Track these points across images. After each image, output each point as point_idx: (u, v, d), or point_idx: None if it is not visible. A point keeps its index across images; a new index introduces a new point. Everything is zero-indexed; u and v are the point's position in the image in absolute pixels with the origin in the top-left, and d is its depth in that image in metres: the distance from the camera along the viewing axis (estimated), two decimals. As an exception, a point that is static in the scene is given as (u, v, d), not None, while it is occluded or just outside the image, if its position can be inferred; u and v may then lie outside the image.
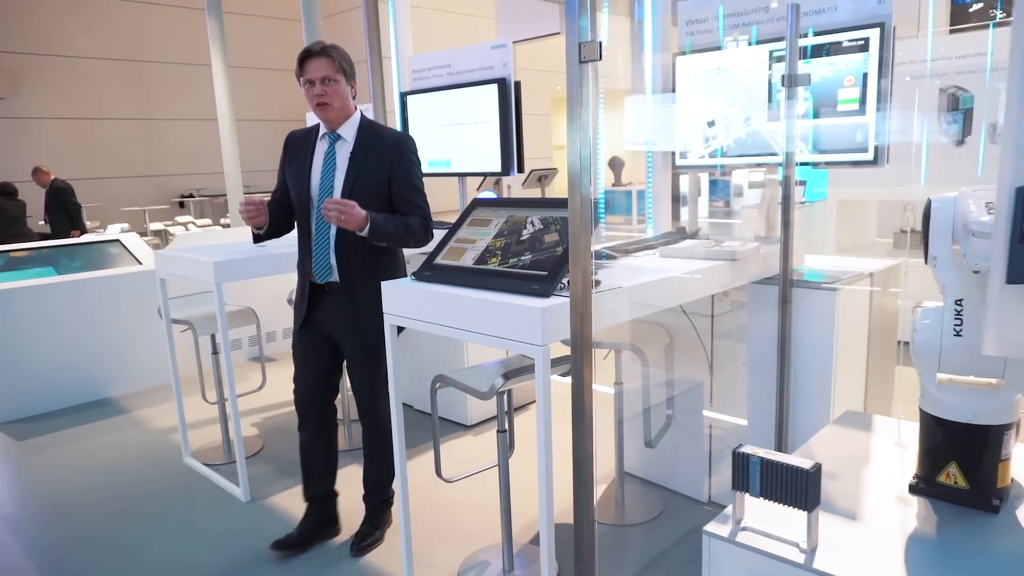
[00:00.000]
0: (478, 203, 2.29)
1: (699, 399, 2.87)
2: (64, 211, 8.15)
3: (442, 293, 1.98)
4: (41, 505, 3.21)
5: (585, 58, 1.54)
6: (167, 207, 13.44)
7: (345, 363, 2.67)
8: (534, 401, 4.02)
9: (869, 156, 2.55)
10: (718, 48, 2.89)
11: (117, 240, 5.02)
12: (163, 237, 10.92)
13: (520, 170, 3.86)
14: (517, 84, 3.75)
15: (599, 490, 3.04)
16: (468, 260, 2.05)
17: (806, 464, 1.49)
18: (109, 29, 12.95)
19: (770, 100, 2.69)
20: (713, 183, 5.72)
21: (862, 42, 2.50)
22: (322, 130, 2.50)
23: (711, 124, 2.93)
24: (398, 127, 4.39)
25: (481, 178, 4.29)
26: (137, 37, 13.28)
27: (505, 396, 2.35)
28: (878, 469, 1.85)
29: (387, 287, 2.12)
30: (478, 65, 3.90)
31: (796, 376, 2.56)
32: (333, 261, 2.48)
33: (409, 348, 3.88)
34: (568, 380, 1.72)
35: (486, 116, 3.85)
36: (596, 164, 1.75)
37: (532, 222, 2.03)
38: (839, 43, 2.55)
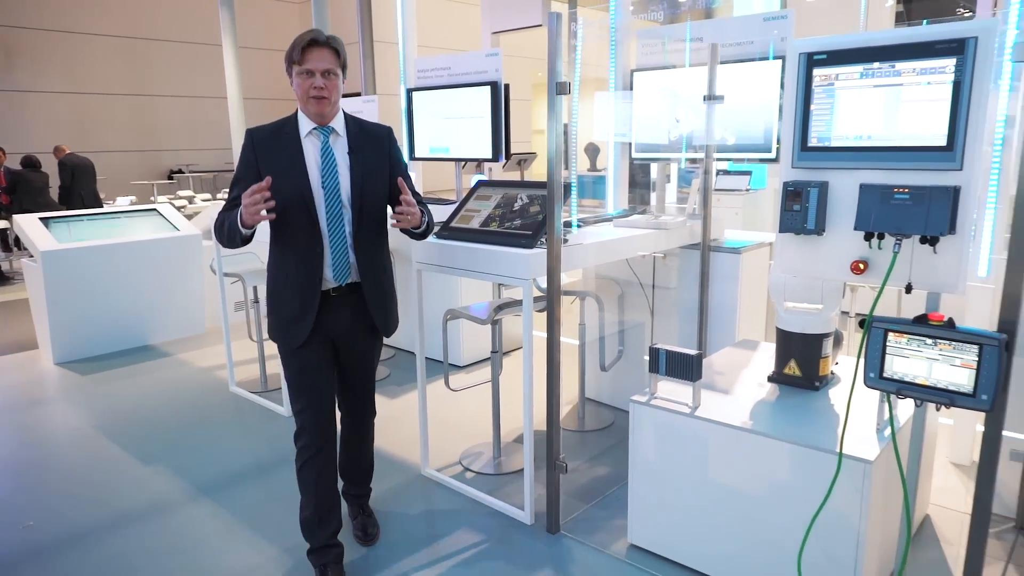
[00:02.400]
0: (482, 184, 3.13)
1: (643, 335, 3.77)
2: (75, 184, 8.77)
3: (458, 246, 2.84)
4: (115, 420, 4.02)
5: (559, 92, 2.40)
6: (172, 182, 14.00)
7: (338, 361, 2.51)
8: (517, 348, 4.91)
9: (772, 155, 3.43)
10: (664, 67, 3.74)
11: (155, 209, 5.77)
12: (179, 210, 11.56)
13: (507, 157, 4.69)
14: (506, 86, 4.57)
15: (566, 408, 3.93)
16: (475, 223, 2.90)
17: (693, 352, 2.38)
18: (105, 5, 13.40)
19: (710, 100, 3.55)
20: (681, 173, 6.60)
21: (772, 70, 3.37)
22: (307, 125, 2.28)
23: (678, 122, 3.78)
24: (403, 119, 5.18)
25: (465, 163, 5.10)
26: (132, 13, 13.73)
27: (498, 325, 3.21)
28: (752, 369, 2.77)
29: (418, 244, 2.96)
30: (474, 69, 4.70)
31: (712, 316, 3.46)
32: (353, 260, 2.33)
33: (406, 299, 4.72)
34: (543, 334, 2.60)
35: (479, 112, 4.66)
36: (572, 154, 2.60)
37: (522, 198, 2.89)
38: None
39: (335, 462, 2.47)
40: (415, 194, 2.42)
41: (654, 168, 4.21)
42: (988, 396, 1.60)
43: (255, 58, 14.91)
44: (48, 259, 4.91)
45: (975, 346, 1.60)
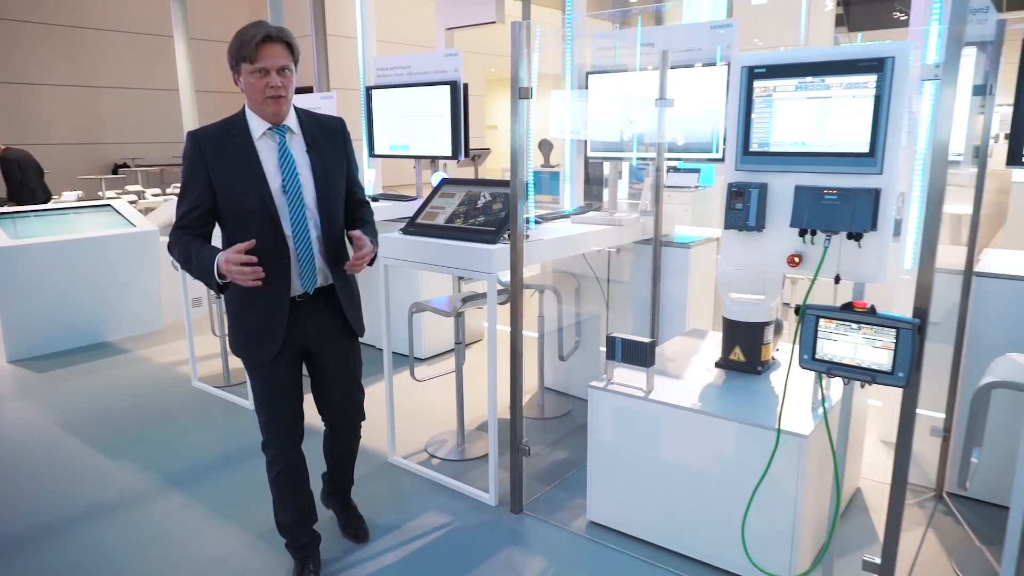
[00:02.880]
0: (445, 182, 3.26)
1: (599, 326, 3.95)
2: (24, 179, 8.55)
3: (424, 242, 2.96)
4: (77, 416, 4.02)
5: (521, 96, 2.54)
6: (121, 176, 13.66)
7: (311, 369, 2.43)
8: (477, 341, 5.05)
9: (719, 156, 3.64)
10: (618, 70, 3.92)
11: (109, 205, 5.72)
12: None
13: (466, 155, 4.83)
14: (465, 86, 4.70)
15: (526, 397, 4.09)
16: (440, 220, 3.03)
17: (646, 340, 2.56)
18: (45, -7, 12.99)
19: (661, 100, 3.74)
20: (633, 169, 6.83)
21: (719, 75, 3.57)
22: (260, 125, 2.13)
23: (631, 122, 3.96)
24: (362, 117, 5.25)
25: (420, 160, 5.21)
26: (73, 1, 13.34)
27: (461, 318, 3.35)
28: (701, 356, 2.97)
29: (385, 239, 3.07)
30: (434, 68, 4.81)
31: (663, 307, 3.67)
32: (321, 264, 2.24)
33: (369, 295, 4.81)
34: (505, 327, 2.75)
35: (439, 110, 4.77)
36: (528, 151, 2.74)
37: (485, 195, 3.03)
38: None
39: (306, 471, 2.47)
40: (360, 188, 2.42)
41: (607, 165, 4.40)
42: (904, 373, 1.82)
43: (205, 50, 14.66)
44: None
45: (893, 330, 1.81)
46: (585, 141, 4.11)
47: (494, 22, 10.77)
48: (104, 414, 4.04)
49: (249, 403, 4.05)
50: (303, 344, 2.30)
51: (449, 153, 4.77)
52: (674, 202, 6.43)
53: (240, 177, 2.09)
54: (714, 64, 3.53)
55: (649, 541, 2.65)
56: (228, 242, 2.12)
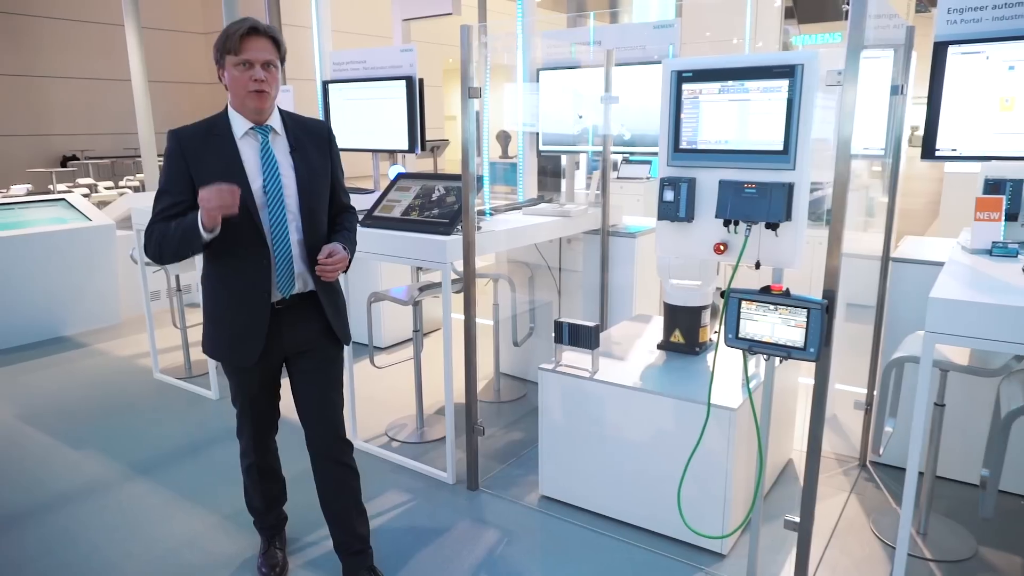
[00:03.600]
0: (401, 176, 3.39)
1: (551, 313, 4.13)
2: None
3: (381, 234, 3.09)
4: (38, 409, 4.05)
5: (471, 96, 2.69)
6: (71, 169, 13.36)
7: (291, 377, 2.33)
8: (435, 329, 5.19)
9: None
10: (569, 67, 4.09)
11: (63, 199, 5.69)
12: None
13: (423, 148, 4.95)
14: (421, 81, 4.82)
15: (482, 383, 4.25)
16: (397, 212, 3.17)
17: (591, 324, 2.74)
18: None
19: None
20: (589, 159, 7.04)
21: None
22: (242, 124, 2.08)
23: (581, 117, 4.13)
24: (319, 111, 5.33)
25: (378, 153, 5.31)
26: (20, -10, 12.99)
27: (419, 307, 3.49)
28: (644, 339, 3.17)
29: (342, 231, 3.19)
30: (389, 63, 4.92)
31: (612, 293, 3.86)
32: (301, 269, 2.16)
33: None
34: (460, 315, 2.90)
35: (395, 104, 4.88)
36: (484, 142, 2.88)
37: (439, 189, 3.17)
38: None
39: (277, 467, 2.55)
40: (345, 193, 2.34)
41: (563, 157, 4.57)
42: (814, 348, 2.02)
43: (158, 39, 14.41)
44: (-47, 251, 4.81)
45: (804, 310, 2.02)
46: (538, 134, 4.28)
47: (451, 13, 10.84)
48: (66, 407, 4.08)
49: (211, 393, 4.14)
50: (282, 350, 2.23)
51: (406, 147, 4.89)
52: (627, 193, 6.67)
53: (221, 176, 1.99)
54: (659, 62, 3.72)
55: (596, 512, 2.84)
56: (210, 243, 2.03)
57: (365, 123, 5.07)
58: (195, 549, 2.69)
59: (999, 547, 2.62)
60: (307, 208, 2.15)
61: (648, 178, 7.00)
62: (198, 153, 2.06)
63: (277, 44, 2.07)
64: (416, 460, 3.30)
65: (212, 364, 4.11)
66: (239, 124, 2.10)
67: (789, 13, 10.20)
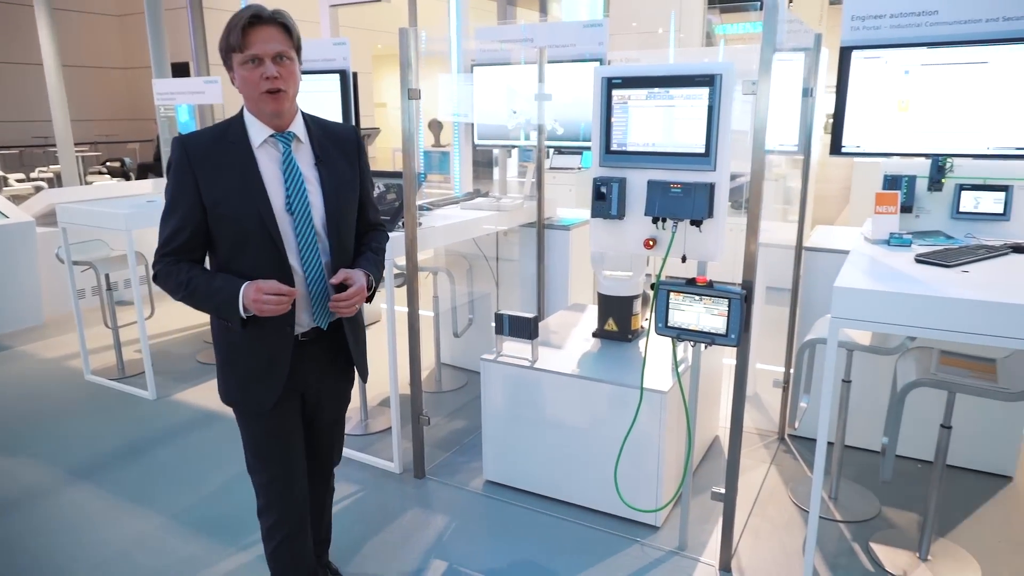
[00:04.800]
0: (340, 173, 3.43)
1: (489, 304, 4.26)
2: None
3: (322, 232, 3.14)
4: (-31, 414, 3.93)
5: (411, 97, 2.77)
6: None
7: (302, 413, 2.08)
8: (375, 322, 5.24)
9: (593, 143, 4.00)
10: (502, 64, 4.19)
11: (-25, 196, 5.44)
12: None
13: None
14: (354, 75, 4.82)
15: (424, 373, 4.34)
16: (337, 211, 3.22)
17: (530, 315, 2.88)
18: None
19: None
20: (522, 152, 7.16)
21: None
22: (260, 132, 1.79)
23: (515, 112, 4.23)
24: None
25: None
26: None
27: (361, 301, 3.55)
28: (580, 328, 3.32)
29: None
30: (321, 56, 4.89)
31: (548, 284, 4.01)
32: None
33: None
34: (403, 308, 2.99)
35: (329, 98, 4.87)
36: (419, 135, 2.94)
37: (379, 187, 3.24)
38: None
39: (308, 534, 2.14)
40: (376, 211, 2.10)
41: (496, 150, 4.67)
42: (735, 335, 2.22)
43: (71, 21, 13.68)
44: None
45: (726, 299, 2.20)
46: (472, 125, 4.37)
47: (379, 0, 10.72)
48: (-8, 413, 3.96)
49: (149, 393, 4.09)
50: (303, 388, 1.98)
51: (341, 140, 4.89)
52: (559, 184, 6.83)
53: (236, 192, 1.75)
54: (595, 60, 3.87)
55: (539, 493, 2.99)
56: (223, 269, 1.83)
57: (298, 116, 5.04)
58: (146, 550, 2.70)
59: (898, 506, 2.91)
60: (336, 227, 1.87)
61: (579, 168, 7.18)
62: (209, 164, 1.77)
63: (289, 31, 1.75)
64: (362, 452, 3.38)
65: (148, 363, 4.06)
66: (257, 131, 1.79)
67: (711, 2, 10.54)
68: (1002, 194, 2.77)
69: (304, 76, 4.70)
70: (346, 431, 3.62)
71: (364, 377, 2.12)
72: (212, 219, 1.79)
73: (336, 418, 2.18)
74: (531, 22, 10.74)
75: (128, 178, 10.85)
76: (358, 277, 1.86)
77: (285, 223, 1.80)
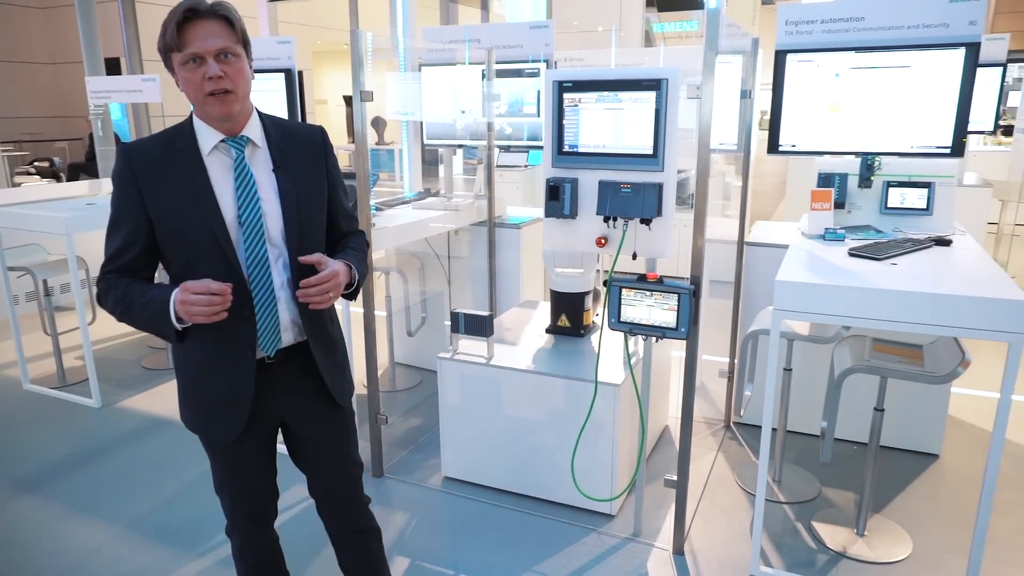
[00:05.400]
0: (290, 174, 3.42)
1: (442, 303, 4.29)
2: None
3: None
4: (-102, 429, 3.75)
5: (363, 99, 2.78)
6: None
7: (290, 445, 1.92)
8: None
9: (542, 143, 4.07)
10: (449, 64, 4.22)
11: None
12: None
13: (305, 141, 4.92)
14: (300, 73, 4.78)
15: (379, 372, 4.34)
16: (289, 213, 3.20)
17: (485, 313, 2.93)
18: None
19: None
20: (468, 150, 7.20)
21: (538, 70, 3.98)
22: (210, 137, 1.63)
23: (463, 112, 4.26)
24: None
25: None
26: None
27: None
28: (533, 324, 3.40)
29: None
30: (266, 55, 4.83)
31: (499, 282, 4.07)
32: (290, 316, 1.72)
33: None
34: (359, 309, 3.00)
35: (274, 97, 4.81)
36: (365, 132, 2.94)
37: (331, 188, 3.24)
38: (523, 71, 4.02)
39: (281, 561, 2.08)
40: (350, 218, 1.90)
41: (443, 149, 4.69)
42: (685, 328, 2.32)
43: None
44: None
45: (675, 295, 2.30)
46: (421, 123, 4.39)
47: (319, -5, 10.53)
48: (-76, 427, 3.80)
49: (93, 401, 3.98)
50: (276, 417, 1.81)
51: (287, 140, 4.84)
52: (506, 181, 6.90)
53: (184, 204, 1.61)
54: (535, 60, 3.94)
55: (498, 487, 3.05)
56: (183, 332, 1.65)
57: (242, 116, 4.96)
58: (100, 560, 2.65)
59: (837, 486, 3.08)
60: (296, 239, 1.69)
61: (526, 165, 7.26)
62: (154, 175, 1.62)
63: (232, 24, 1.58)
64: (319, 453, 3.37)
65: (92, 370, 3.95)
66: (206, 136, 1.63)
67: (650, 1, 10.77)
68: (925, 190, 2.95)
69: (248, 75, 4.65)
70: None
71: (341, 402, 1.86)
72: (160, 234, 1.64)
73: (334, 445, 1.90)
74: (473, 20, 10.79)
75: (59, 179, 10.43)
76: (333, 263, 1.67)
77: (237, 236, 1.64)
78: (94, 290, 1.74)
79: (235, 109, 1.60)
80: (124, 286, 1.64)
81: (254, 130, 1.68)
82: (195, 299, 1.50)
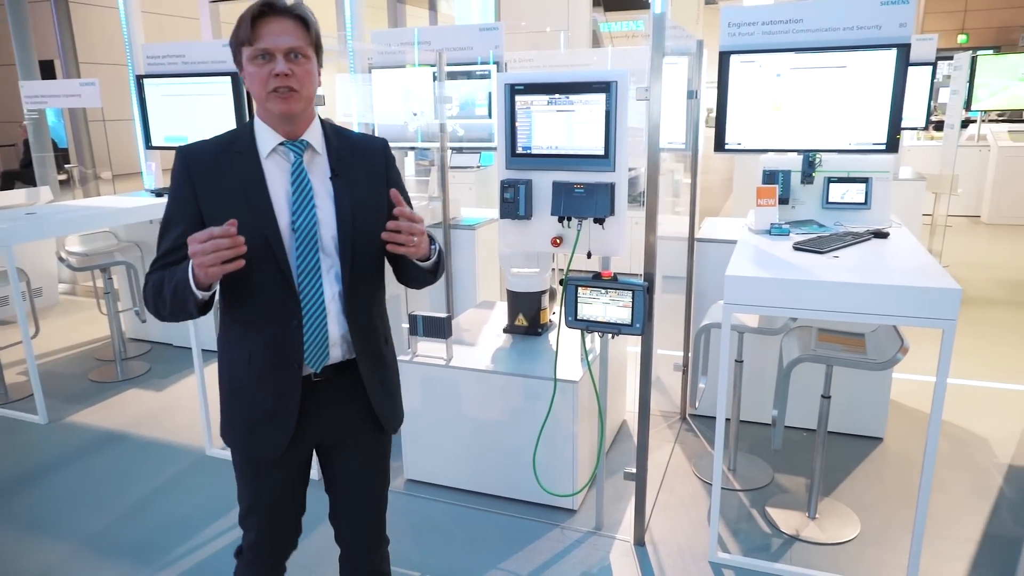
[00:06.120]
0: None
1: (399, 305, 4.29)
2: None
3: (226, 241, 3.08)
4: None
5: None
6: None
7: (325, 468, 1.83)
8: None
9: (495, 144, 4.10)
10: (399, 67, 4.21)
11: None
12: None
13: (254, 146, 4.85)
14: (247, 77, 4.71)
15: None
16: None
17: (443, 315, 2.95)
18: None
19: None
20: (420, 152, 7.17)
21: (488, 72, 4.01)
22: (270, 139, 1.60)
23: (415, 115, 4.26)
24: (135, 107, 5.02)
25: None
26: None
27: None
28: (491, 324, 3.42)
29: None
30: (212, 58, 4.75)
31: (456, 283, 4.09)
32: (340, 332, 1.65)
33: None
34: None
35: (221, 100, 4.74)
36: None
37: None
38: (473, 73, 4.04)
39: None
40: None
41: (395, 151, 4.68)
42: (640, 324, 2.38)
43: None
44: None
45: (629, 291, 2.36)
46: (373, 127, 4.37)
47: (263, -3, 10.34)
48: None
49: (39, 418, 3.86)
50: (315, 438, 1.74)
51: (236, 145, 4.77)
52: (458, 182, 6.91)
53: (238, 206, 1.55)
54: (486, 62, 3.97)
55: (460, 488, 3.07)
56: (225, 295, 1.63)
57: (188, 120, 4.87)
58: (53, 580, 2.59)
59: (789, 472, 3.19)
60: (350, 250, 1.62)
61: (479, 166, 7.28)
62: (211, 177, 1.58)
63: (307, 25, 1.56)
64: (278, 461, 3.34)
65: (37, 385, 3.83)
66: (266, 138, 1.60)
67: (597, 1, 10.91)
68: (863, 185, 3.08)
69: (193, 79, 4.58)
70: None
71: (391, 428, 1.79)
72: None
73: (376, 478, 1.84)
74: (422, 21, 10.75)
75: (-8, 187, 10.02)
76: (410, 213, 1.56)
77: (290, 243, 1.58)
78: (36, 302, 1.64)
79: (297, 109, 1.56)
80: (155, 279, 1.59)
81: (314, 135, 1.64)
82: (201, 247, 1.38)
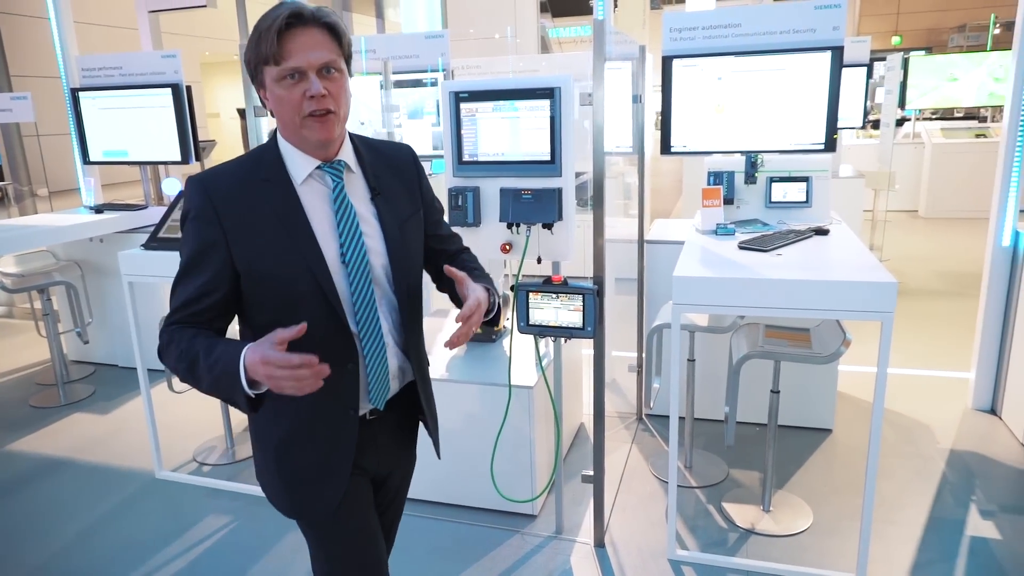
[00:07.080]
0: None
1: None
2: None
3: (168, 256, 3.00)
4: None
5: (258, 115, 2.73)
6: None
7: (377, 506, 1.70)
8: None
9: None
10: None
11: None
12: None
13: (197, 159, 4.75)
14: (188, 88, 4.61)
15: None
16: (185, 234, 3.09)
17: (396, 325, 2.92)
18: None
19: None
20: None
21: (437, 80, 4.01)
22: (303, 164, 1.41)
23: (363, 124, 4.22)
24: (70, 120, 4.86)
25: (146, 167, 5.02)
26: None
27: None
28: (445, 333, 3.42)
29: (125, 257, 3.04)
30: (150, 70, 4.63)
31: (410, 293, 4.07)
32: (398, 363, 1.54)
33: (108, 312, 4.57)
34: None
35: (160, 113, 4.62)
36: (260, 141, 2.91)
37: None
38: (422, 81, 4.03)
39: None
40: (449, 236, 1.75)
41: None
42: (591, 327, 2.40)
43: None
44: None
45: (580, 295, 2.38)
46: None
47: (204, 6, 10.20)
48: None
49: (-24, 447, 3.70)
50: (369, 471, 1.60)
51: (179, 158, 4.66)
52: (412, 190, 6.87)
53: (277, 244, 1.37)
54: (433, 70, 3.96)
55: (419, 498, 3.04)
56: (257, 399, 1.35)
57: (128, 134, 4.74)
58: (-7, 616, 2.48)
59: (743, 466, 3.25)
60: (403, 276, 1.49)
61: (431, 174, 7.25)
62: (239, 210, 1.36)
63: (338, 34, 1.37)
64: (231, 480, 3.27)
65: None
66: (298, 164, 1.41)
67: (544, 8, 10.98)
68: (804, 184, 3.17)
69: (131, 92, 4.46)
70: (212, 461, 3.50)
71: (437, 446, 1.76)
72: (248, 282, 1.38)
73: (399, 501, 1.80)
74: (369, 29, 10.68)
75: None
76: (474, 288, 1.49)
77: (341, 279, 1.41)
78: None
79: (336, 133, 1.39)
80: (189, 338, 1.34)
81: (348, 154, 1.47)
82: (281, 375, 1.19)
